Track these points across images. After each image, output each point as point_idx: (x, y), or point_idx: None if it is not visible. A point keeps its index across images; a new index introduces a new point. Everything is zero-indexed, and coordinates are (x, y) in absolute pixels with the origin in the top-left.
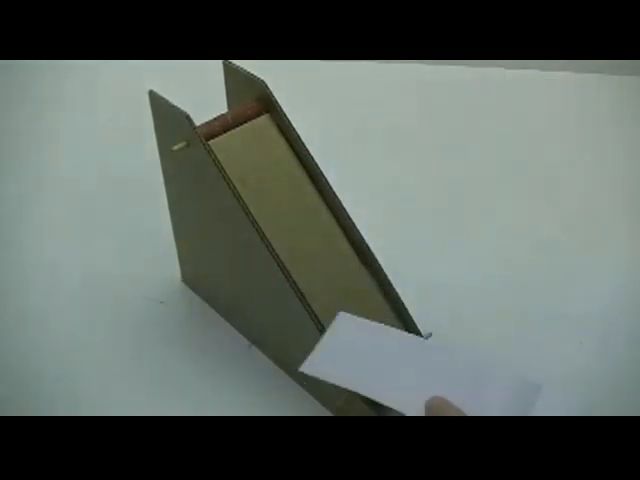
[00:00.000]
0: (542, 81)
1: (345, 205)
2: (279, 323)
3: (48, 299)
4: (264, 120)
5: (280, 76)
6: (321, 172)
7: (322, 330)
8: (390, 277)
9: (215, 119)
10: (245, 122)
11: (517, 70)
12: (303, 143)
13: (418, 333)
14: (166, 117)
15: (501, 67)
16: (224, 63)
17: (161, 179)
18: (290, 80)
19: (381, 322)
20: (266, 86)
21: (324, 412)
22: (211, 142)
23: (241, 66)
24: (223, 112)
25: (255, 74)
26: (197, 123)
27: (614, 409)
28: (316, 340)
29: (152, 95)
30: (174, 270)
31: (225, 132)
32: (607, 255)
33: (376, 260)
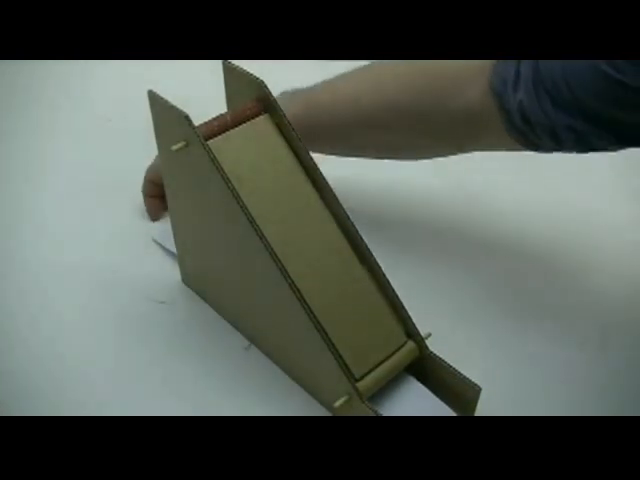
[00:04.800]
0: None
1: (345, 205)
2: (278, 323)
3: (47, 299)
4: (263, 120)
5: (280, 76)
6: (320, 172)
7: (321, 330)
8: (389, 277)
9: (214, 119)
10: (244, 122)
11: None
12: (302, 143)
13: (417, 333)
14: (165, 117)
15: None
16: (224, 63)
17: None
18: (290, 80)
19: (380, 322)
20: (265, 86)
21: (324, 412)
22: (210, 142)
23: (241, 66)
24: (223, 112)
25: (255, 74)
26: (196, 123)
27: (614, 409)
28: (315, 340)
29: (151, 95)
30: (174, 270)
31: (224, 132)
32: (607, 255)
33: (375, 260)
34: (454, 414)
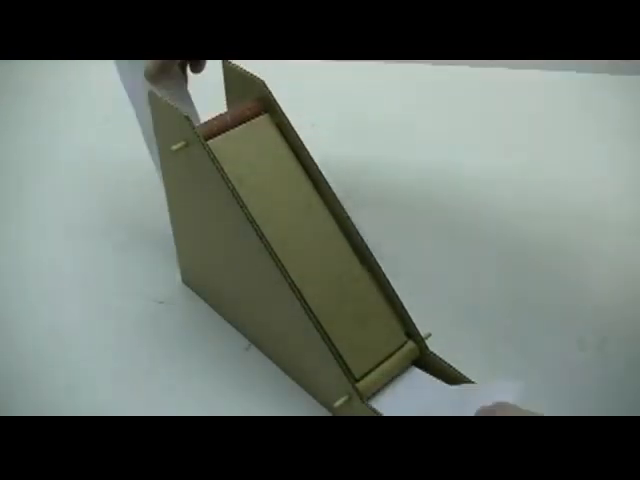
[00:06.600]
0: (544, 81)
1: (344, 205)
2: (278, 323)
3: (47, 299)
4: (263, 120)
5: (280, 76)
6: (320, 172)
7: (321, 330)
8: (389, 277)
9: (214, 119)
10: (244, 122)
11: (520, 70)
12: (302, 143)
13: (417, 334)
14: (165, 117)
15: (504, 67)
16: (224, 63)
17: (160, 179)
18: (290, 80)
19: (380, 322)
20: (265, 86)
21: (323, 412)
22: (210, 142)
23: (241, 66)
24: (223, 112)
25: (255, 74)
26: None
27: (614, 409)
28: (315, 340)
29: (151, 95)
30: (174, 270)
31: (224, 132)
32: (608, 255)
33: (375, 260)
34: (451, 387)
